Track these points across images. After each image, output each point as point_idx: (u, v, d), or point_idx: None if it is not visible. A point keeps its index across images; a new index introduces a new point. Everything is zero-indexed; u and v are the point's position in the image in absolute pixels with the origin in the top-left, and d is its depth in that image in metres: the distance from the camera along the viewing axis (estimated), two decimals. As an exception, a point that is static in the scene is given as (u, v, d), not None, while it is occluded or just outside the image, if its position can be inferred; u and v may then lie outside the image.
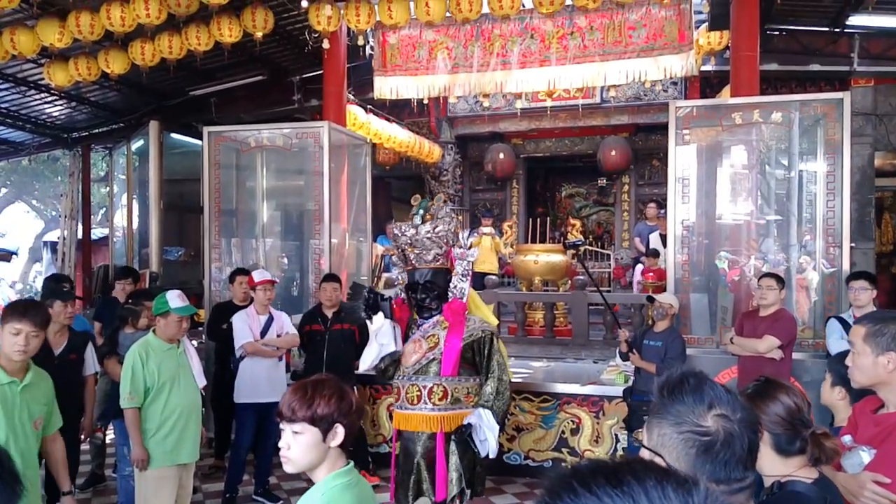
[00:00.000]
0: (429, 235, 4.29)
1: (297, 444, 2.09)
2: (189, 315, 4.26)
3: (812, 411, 5.08)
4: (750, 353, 5.25)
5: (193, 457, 4.35)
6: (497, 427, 4.16)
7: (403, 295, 4.54)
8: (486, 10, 6.84)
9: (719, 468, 1.32)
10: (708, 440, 1.33)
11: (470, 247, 4.46)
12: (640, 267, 10.00)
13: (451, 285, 4.35)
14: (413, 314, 4.48)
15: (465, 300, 4.33)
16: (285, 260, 8.43)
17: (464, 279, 4.34)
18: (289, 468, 2.14)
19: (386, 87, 8.42)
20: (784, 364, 5.18)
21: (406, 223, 4.43)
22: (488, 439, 4.10)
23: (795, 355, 5.54)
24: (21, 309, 3.31)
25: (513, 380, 4.83)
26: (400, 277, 4.59)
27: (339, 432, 2.10)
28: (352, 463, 2.19)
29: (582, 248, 6.28)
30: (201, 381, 4.41)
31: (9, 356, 3.25)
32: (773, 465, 1.95)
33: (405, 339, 4.41)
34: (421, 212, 4.42)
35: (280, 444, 2.12)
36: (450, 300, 4.32)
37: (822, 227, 6.20)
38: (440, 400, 4.17)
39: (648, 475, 0.78)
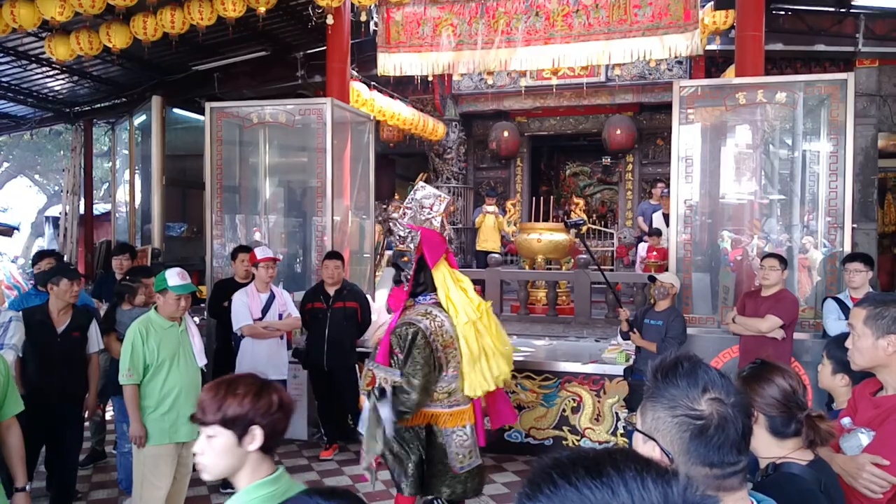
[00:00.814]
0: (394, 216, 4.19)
1: (210, 449, 1.91)
2: (188, 293, 4.25)
3: (811, 393, 5.10)
4: (752, 333, 5.28)
5: (192, 435, 4.28)
6: (390, 416, 3.75)
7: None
8: (490, -15, 6.79)
9: (713, 452, 1.33)
10: (702, 424, 1.33)
11: (443, 228, 4.09)
12: (643, 246, 10.01)
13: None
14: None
15: (406, 288, 3.99)
16: (283, 236, 8.43)
17: (408, 265, 3.96)
18: (205, 476, 1.97)
19: (390, 63, 8.37)
20: (785, 344, 5.22)
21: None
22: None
23: (796, 335, 5.57)
24: None
25: (514, 359, 4.76)
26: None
27: (257, 435, 1.90)
28: (280, 469, 1.99)
29: (584, 228, 6.27)
30: (201, 360, 4.40)
31: None
32: (768, 447, 1.97)
33: None
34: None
35: (194, 449, 1.96)
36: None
37: (824, 208, 6.21)
38: (367, 385, 3.91)
39: (628, 466, 0.79)
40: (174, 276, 4.21)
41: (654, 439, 1.37)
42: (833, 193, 6.16)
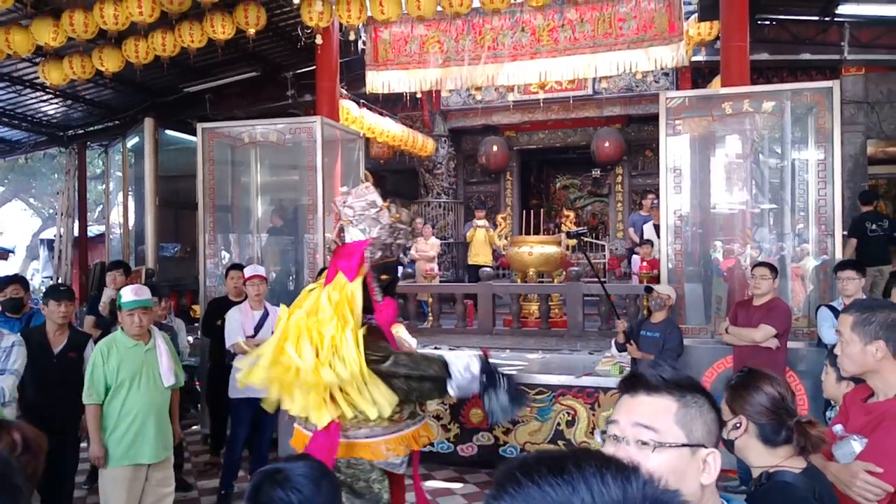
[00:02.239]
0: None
1: None
2: (143, 308, 4.18)
3: (808, 403, 5.09)
4: (745, 343, 5.27)
5: (156, 457, 4.23)
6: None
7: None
8: (476, 4, 6.86)
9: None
10: None
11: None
12: (637, 259, 10.04)
13: None
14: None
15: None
16: (275, 254, 8.44)
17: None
18: None
19: (378, 81, 8.44)
20: (780, 353, 5.21)
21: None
22: None
23: (791, 344, 5.57)
24: None
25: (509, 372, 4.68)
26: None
27: None
28: None
29: (584, 239, 6.32)
30: (169, 380, 4.30)
31: None
32: (760, 456, 1.96)
33: None
34: None
35: None
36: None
37: (814, 216, 6.24)
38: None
39: (589, 463, 0.81)
40: (127, 293, 4.18)
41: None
42: (822, 201, 6.18)
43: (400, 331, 4.15)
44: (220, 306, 6.37)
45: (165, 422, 4.33)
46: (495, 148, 12.77)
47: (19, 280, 5.88)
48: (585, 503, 0.77)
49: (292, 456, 1.88)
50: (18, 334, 4.69)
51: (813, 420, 2.01)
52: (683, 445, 1.36)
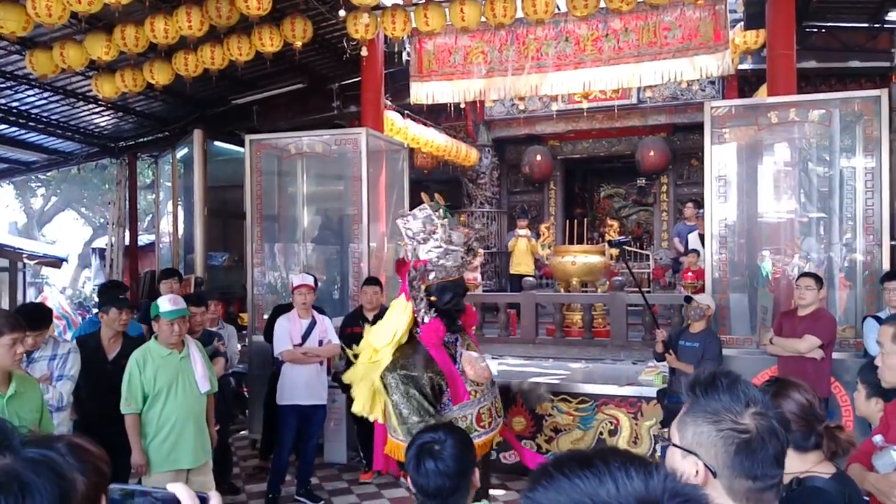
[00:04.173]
0: (470, 244, 4.05)
1: None
2: (182, 317, 4.31)
3: (853, 416, 4.98)
4: (790, 354, 5.21)
5: (196, 462, 4.37)
6: None
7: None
8: (520, 14, 6.90)
9: (757, 465, 1.36)
10: (747, 437, 1.36)
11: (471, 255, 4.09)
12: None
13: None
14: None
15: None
16: (321, 262, 8.57)
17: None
18: None
19: (422, 92, 8.54)
20: (825, 364, 5.14)
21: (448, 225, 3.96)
22: None
23: (836, 355, 5.48)
24: (12, 320, 3.32)
25: (551, 381, 4.80)
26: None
27: None
28: None
29: (627, 248, 6.32)
30: (204, 387, 4.43)
31: (5, 368, 3.28)
32: (790, 462, 1.97)
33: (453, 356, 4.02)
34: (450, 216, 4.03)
35: None
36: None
37: (862, 225, 6.13)
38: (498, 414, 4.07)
39: (615, 459, 0.90)
40: (165, 303, 4.31)
41: (695, 454, 1.39)
42: (870, 210, 6.08)
43: (472, 359, 4.09)
44: (281, 313, 6.45)
45: (203, 427, 4.47)
46: (539, 157, 12.78)
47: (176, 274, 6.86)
48: (611, 493, 0.85)
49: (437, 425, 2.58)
50: (74, 341, 4.88)
51: (840, 425, 2.02)
52: (675, 446, 1.44)
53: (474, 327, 4.20)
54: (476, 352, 4.05)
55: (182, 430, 4.28)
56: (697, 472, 1.37)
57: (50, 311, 5.22)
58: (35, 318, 4.31)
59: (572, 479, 0.87)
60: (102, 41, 7.10)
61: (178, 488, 1.00)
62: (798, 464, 1.97)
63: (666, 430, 6.00)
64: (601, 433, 6.28)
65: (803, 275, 5.35)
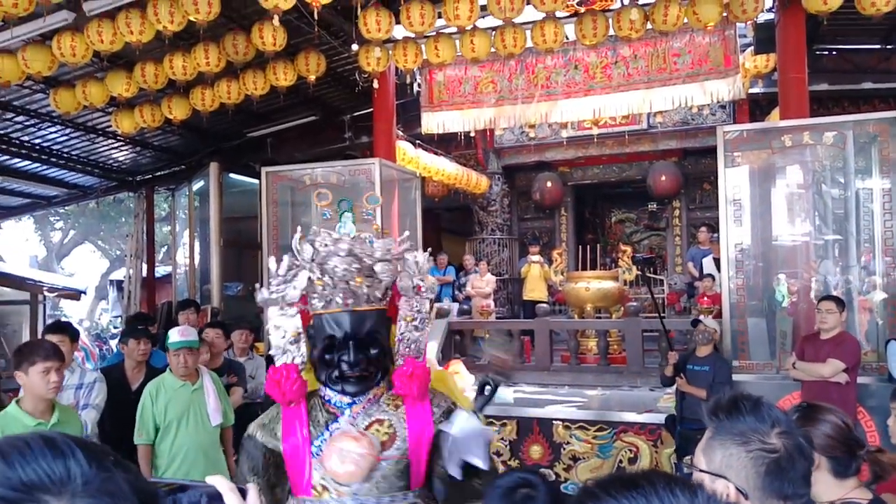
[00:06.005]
0: (388, 257, 2.53)
1: None
2: (186, 349, 4.30)
3: (880, 442, 4.93)
4: (814, 378, 5.14)
5: None
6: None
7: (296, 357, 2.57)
8: (529, 44, 6.97)
9: (787, 485, 1.37)
10: (776, 457, 1.37)
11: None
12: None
13: (400, 337, 2.54)
14: (324, 386, 2.50)
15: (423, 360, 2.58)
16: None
17: (421, 327, 2.57)
18: None
19: (433, 121, 8.62)
20: (850, 389, 5.06)
21: (333, 234, 2.62)
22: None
23: (860, 379, 5.41)
24: (47, 348, 3.36)
25: (567, 409, 4.69)
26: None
27: None
28: None
29: (651, 267, 6.33)
30: (216, 420, 4.40)
31: (41, 396, 3.30)
32: (829, 489, 1.95)
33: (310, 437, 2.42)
34: (350, 217, 2.78)
35: None
36: (399, 362, 2.49)
37: (881, 247, 6.09)
38: None
39: (659, 479, 0.90)
40: (174, 334, 4.34)
41: (724, 477, 1.39)
42: (889, 232, 6.05)
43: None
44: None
45: (215, 460, 4.42)
46: (549, 184, 12.80)
47: (192, 304, 6.84)
48: None
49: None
50: (99, 371, 4.91)
51: (882, 448, 1.99)
52: (701, 471, 1.44)
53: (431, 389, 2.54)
54: (378, 437, 2.36)
55: (193, 463, 4.26)
56: (728, 495, 1.37)
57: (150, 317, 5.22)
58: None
59: (619, 499, 0.88)
60: (123, 78, 7.24)
61: (217, 480, 1.00)
62: (836, 490, 1.95)
63: (689, 457, 5.93)
64: (621, 461, 6.22)
65: (824, 298, 5.30)
